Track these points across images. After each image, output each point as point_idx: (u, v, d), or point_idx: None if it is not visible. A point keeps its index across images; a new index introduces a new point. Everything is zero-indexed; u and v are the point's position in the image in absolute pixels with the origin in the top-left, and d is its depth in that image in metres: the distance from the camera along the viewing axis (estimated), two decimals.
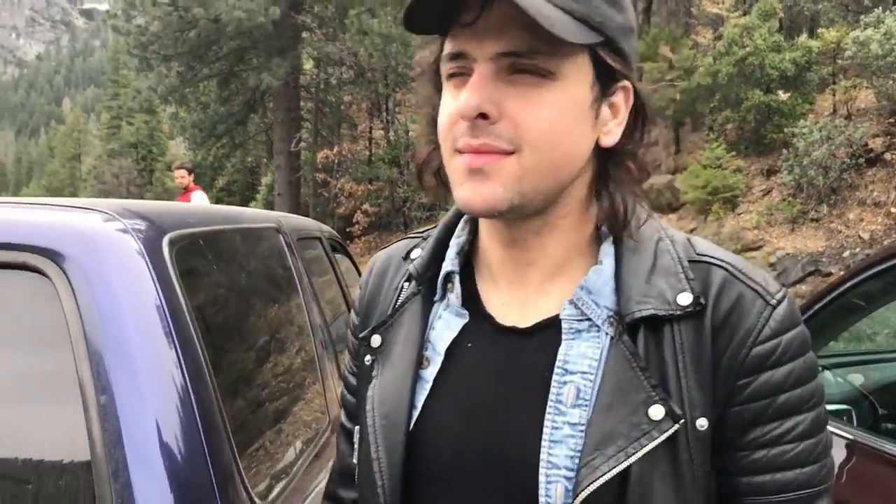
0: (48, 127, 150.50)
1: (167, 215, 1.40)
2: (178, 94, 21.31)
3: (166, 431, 1.06)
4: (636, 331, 0.81)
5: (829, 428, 2.63)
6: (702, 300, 0.81)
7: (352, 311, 1.02)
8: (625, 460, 0.77)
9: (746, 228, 12.69)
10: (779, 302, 0.82)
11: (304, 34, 19.77)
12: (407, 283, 0.95)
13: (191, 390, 1.11)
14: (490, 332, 0.88)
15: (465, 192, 0.81)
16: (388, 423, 0.88)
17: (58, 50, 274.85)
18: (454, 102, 0.81)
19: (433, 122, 0.87)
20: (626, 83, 0.84)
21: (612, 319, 0.82)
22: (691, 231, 14.18)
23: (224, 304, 1.40)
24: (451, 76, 0.82)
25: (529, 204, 0.82)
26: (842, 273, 5.98)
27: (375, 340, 0.94)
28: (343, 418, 1.04)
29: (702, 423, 0.79)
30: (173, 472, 1.05)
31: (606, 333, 0.82)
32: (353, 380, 1.01)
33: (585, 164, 0.85)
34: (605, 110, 0.84)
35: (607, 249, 0.86)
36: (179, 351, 1.12)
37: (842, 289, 2.60)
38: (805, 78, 13.50)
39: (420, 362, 0.89)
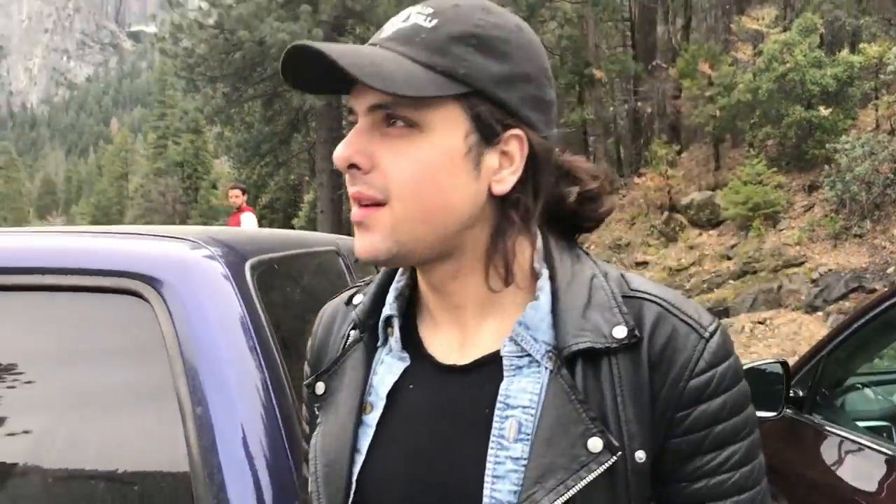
0: (97, 146, 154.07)
1: (247, 242, 1.54)
2: (224, 114, 21.80)
3: (254, 438, 1.18)
4: (574, 364, 0.81)
5: (869, 443, 2.63)
6: (637, 333, 0.82)
7: (306, 361, 1.04)
8: (565, 493, 0.77)
9: (788, 244, 12.60)
10: (711, 334, 0.83)
11: None
12: (353, 331, 0.95)
13: (273, 400, 1.22)
14: (431, 372, 0.88)
15: (355, 243, 0.85)
16: (329, 471, 0.89)
17: (106, 72, 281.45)
18: None
19: None
20: (518, 132, 0.83)
21: (550, 354, 0.82)
22: (732, 247, 14.10)
23: (296, 322, 1.53)
24: (352, 127, 0.85)
25: (415, 251, 0.83)
26: (885, 289, 5.92)
27: (319, 388, 0.94)
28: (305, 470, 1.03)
29: (640, 455, 0.80)
30: (261, 475, 1.16)
31: (546, 368, 0.82)
32: (307, 428, 1.01)
33: (479, 211, 0.84)
34: (491, 159, 0.83)
35: (543, 285, 0.85)
36: (263, 365, 1.24)
37: (885, 305, 2.60)
38: (847, 93, 13.42)
39: (362, 408, 0.89)
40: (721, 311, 12.61)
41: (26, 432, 1.33)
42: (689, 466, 0.82)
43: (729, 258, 13.79)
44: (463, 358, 0.87)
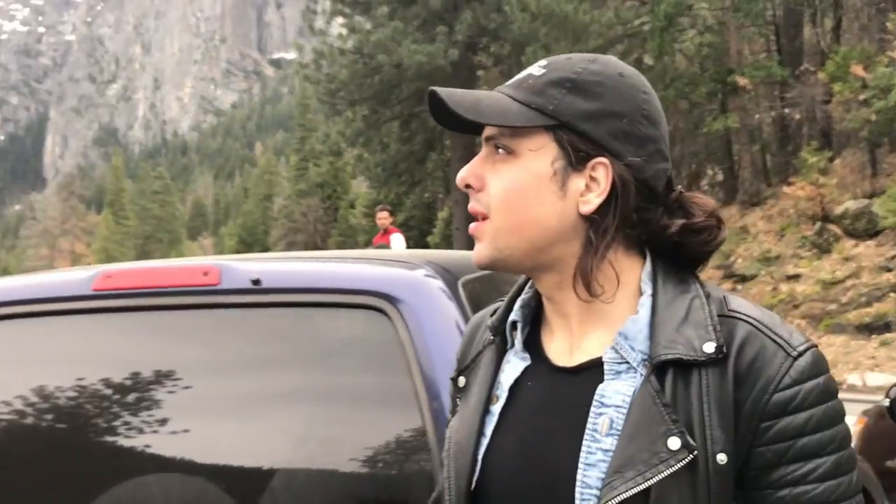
0: (242, 170, 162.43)
1: (456, 263, 1.74)
2: (363, 136, 22.64)
3: None
4: (665, 373, 0.91)
5: None
6: (724, 349, 0.89)
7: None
8: (642, 483, 0.87)
9: None
10: (800, 354, 0.90)
11: (480, 73, 20.48)
12: (488, 335, 1.09)
13: None
14: (545, 372, 1.01)
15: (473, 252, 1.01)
16: (458, 449, 1.03)
17: (250, 98, 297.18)
18: None
19: None
20: (604, 160, 0.94)
21: (645, 362, 0.92)
22: (892, 258, 13.30)
23: None
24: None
25: (511, 259, 0.98)
26: None
27: (461, 381, 1.10)
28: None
29: (721, 458, 0.88)
30: None
31: (640, 374, 0.92)
32: (450, 416, 1.16)
33: (569, 228, 0.96)
34: (577, 182, 0.95)
35: (644, 301, 0.96)
36: None
37: None
38: None
39: (490, 399, 1.03)
40: (882, 326, 11.93)
41: (287, 430, 1.55)
42: (774, 474, 0.89)
43: (889, 270, 13.06)
44: (572, 361, 0.99)
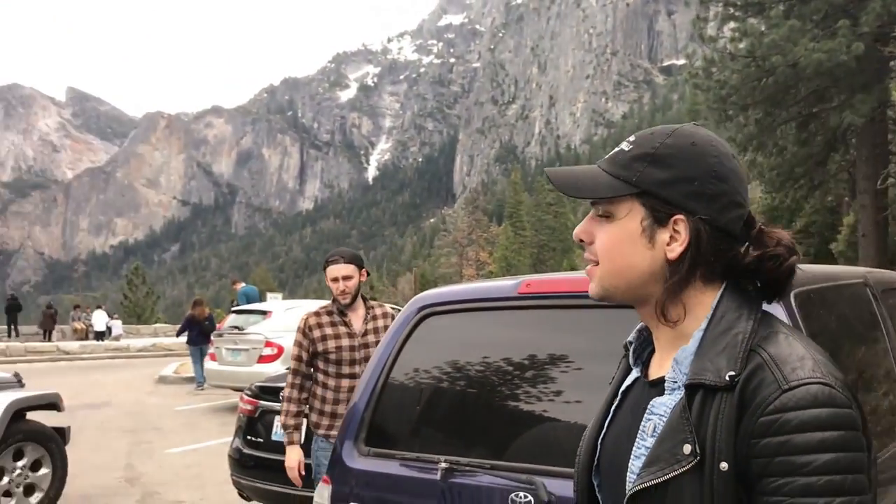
0: None
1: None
2: (756, 140, 21.81)
3: None
4: (696, 392, 1.09)
5: None
6: (736, 378, 1.06)
7: None
8: (661, 477, 1.08)
9: None
10: (790, 388, 1.02)
11: (893, 63, 18.58)
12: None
13: None
14: (642, 383, 1.24)
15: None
16: (588, 434, 1.31)
17: (640, 108, 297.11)
18: None
19: None
20: (682, 217, 1.14)
21: (685, 380, 1.12)
22: None
23: (830, 344, 2.00)
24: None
25: (614, 295, 1.21)
26: None
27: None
28: None
29: (723, 465, 1.04)
30: None
31: (681, 391, 1.11)
32: None
33: (659, 270, 1.16)
34: (663, 235, 1.15)
35: (696, 334, 1.14)
36: None
37: None
38: None
39: (615, 398, 1.29)
40: None
41: None
42: (764, 483, 1.03)
43: None
44: (654, 375, 1.23)
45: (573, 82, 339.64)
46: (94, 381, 17.10)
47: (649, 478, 1.09)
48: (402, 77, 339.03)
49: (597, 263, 1.20)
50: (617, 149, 1.22)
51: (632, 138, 1.22)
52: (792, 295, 1.92)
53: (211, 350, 13.54)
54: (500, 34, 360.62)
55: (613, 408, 1.29)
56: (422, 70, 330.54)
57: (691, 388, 1.10)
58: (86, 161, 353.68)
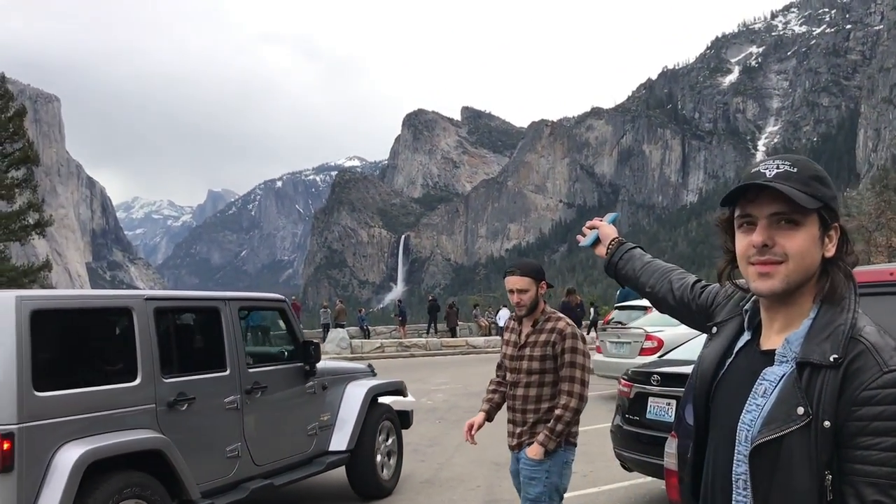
0: None
1: None
2: None
3: None
4: (805, 367, 1.40)
5: None
6: (840, 360, 1.37)
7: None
8: (777, 433, 1.38)
9: None
10: (889, 371, 1.35)
11: None
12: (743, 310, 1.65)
13: None
14: (754, 348, 1.55)
15: (757, 285, 1.49)
16: (707, 365, 1.61)
17: None
18: (746, 238, 1.49)
19: (728, 250, 1.60)
20: (836, 224, 1.49)
21: (795, 359, 1.43)
22: None
23: None
24: (740, 226, 1.51)
25: (791, 287, 1.47)
26: None
27: (713, 330, 1.69)
28: None
29: (826, 423, 1.35)
30: None
31: (791, 365, 1.43)
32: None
33: (819, 265, 1.48)
34: (826, 239, 1.48)
35: (806, 323, 1.47)
36: None
37: None
38: None
39: (730, 349, 1.60)
40: None
41: None
42: (860, 440, 1.34)
43: None
44: (764, 346, 1.53)
45: None
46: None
47: (770, 433, 1.40)
48: (789, 53, 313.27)
49: (779, 263, 1.48)
50: (779, 168, 1.49)
51: (788, 163, 1.50)
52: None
53: (597, 343, 14.53)
54: None
55: (729, 361, 1.60)
56: (812, 42, 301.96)
57: (801, 365, 1.42)
58: (481, 173, 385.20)
